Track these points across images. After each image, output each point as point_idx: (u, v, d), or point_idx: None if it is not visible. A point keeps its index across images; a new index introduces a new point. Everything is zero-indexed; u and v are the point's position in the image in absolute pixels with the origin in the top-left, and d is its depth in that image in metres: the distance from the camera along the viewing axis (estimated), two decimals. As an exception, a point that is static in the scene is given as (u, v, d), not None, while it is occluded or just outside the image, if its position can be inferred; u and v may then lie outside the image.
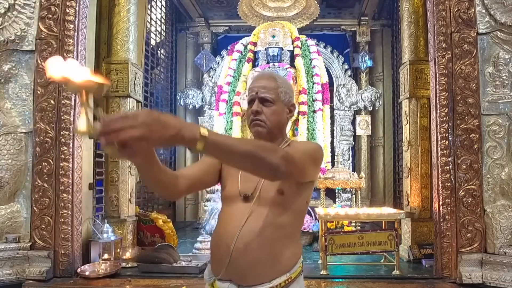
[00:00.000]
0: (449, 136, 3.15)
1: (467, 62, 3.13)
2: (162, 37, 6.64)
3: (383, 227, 3.77)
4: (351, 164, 6.57)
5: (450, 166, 3.13)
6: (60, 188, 3.21)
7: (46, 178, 3.22)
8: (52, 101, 3.24)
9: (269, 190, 1.41)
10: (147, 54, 5.77)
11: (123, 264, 3.54)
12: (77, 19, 3.32)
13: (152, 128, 0.95)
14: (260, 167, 1.20)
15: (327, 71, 6.32)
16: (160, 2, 6.53)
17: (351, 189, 5.04)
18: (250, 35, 6.24)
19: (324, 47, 6.74)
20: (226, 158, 1.21)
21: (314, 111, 5.73)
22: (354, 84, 6.64)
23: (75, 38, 3.30)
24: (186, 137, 1.01)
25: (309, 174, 1.44)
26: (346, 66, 6.73)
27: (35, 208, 3.22)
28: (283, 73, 5.72)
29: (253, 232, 1.37)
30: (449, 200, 3.11)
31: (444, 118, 3.16)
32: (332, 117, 6.37)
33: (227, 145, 1.12)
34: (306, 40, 6.11)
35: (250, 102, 1.52)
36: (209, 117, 6.53)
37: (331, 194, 5.55)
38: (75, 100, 3.28)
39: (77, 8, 3.32)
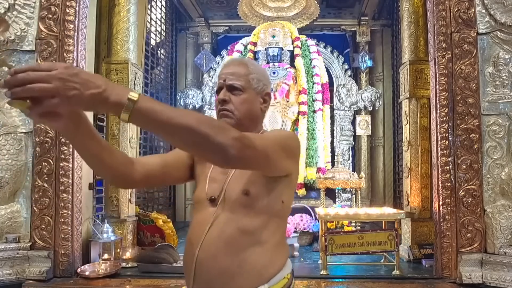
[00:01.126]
0: (449, 136, 3.14)
1: (467, 62, 3.13)
2: (162, 37, 6.63)
3: (383, 227, 3.77)
4: (351, 164, 6.56)
5: (450, 166, 3.13)
6: (60, 188, 3.21)
7: (46, 178, 3.22)
8: (52, 101, 3.24)
9: (233, 191, 1.26)
10: (147, 54, 5.77)
11: (123, 264, 3.54)
12: (77, 19, 3.32)
13: (68, 83, 0.81)
14: (203, 147, 0.98)
15: (327, 71, 6.32)
16: (160, 2, 6.53)
17: (351, 189, 5.03)
18: (250, 35, 6.24)
19: (324, 47, 6.73)
20: (161, 132, 0.97)
21: (314, 111, 5.74)
22: (354, 84, 6.64)
23: (75, 38, 3.30)
24: (110, 99, 0.85)
25: (281, 166, 1.25)
26: (346, 66, 6.73)
27: (35, 208, 3.22)
28: (283, 73, 5.72)
29: (217, 239, 1.23)
30: (449, 200, 3.11)
31: (444, 118, 3.16)
32: (332, 117, 6.37)
33: (161, 114, 0.91)
34: (306, 40, 6.11)
35: (218, 90, 1.37)
36: (209, 117, 6.52)
37: (331, 194, 5.54)
38: (75, 100, 3.28)
39: (77, 8, 3.32)
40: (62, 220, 3.21)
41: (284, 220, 1.37)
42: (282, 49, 5.91)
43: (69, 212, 3.22)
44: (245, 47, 6.15)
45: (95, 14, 3.90)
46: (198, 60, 6.83)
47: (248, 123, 1.36)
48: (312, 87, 5.79)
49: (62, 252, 3.21)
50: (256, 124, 1.41)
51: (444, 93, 3.16)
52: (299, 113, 5.61)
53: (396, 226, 3.52)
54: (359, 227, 4.63)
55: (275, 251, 1.29)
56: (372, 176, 6.78)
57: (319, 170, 5.44)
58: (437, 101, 3.20)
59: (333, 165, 5.55)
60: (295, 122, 5.67)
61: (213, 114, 6.44)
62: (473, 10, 3.14)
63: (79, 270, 3.26)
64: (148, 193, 5.99)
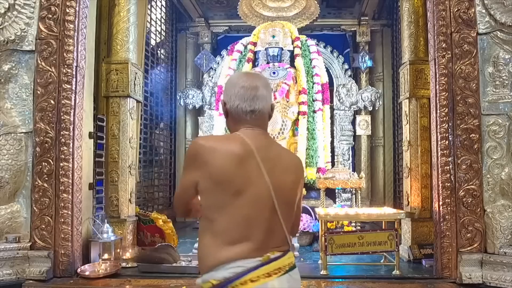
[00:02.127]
0: (449, 136, 3.14)
1: (467, 62, 3.13)
2: (162, 37, 6.64)
3: (383, 227, 3.77)
4: (351, 164, 6.56)
5: (450, 166, 3.12)
6: (60, 188, 3.21)
7: (46, 178, 3.21)
8: (52, 101, 3.24)
9: None
10: (147, 54, 5.77)
11: (123, 264, 3.53)
12: (77, 19, 3.32)
13: None
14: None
15: (327, 71, 6.32)
16: (160, 2, 6.53)
17: (351, 189, 5.03)
18: (250, 35, 6.24)
19: (324, 47, 6.73)
20: None
21: (314, 111, 5.73)
22: (354, 84, 6.64)
23: (75, 38, 3.30)
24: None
25: (190, 183, 1.46)
26: (346, 66, 6.73)
27: (35, 208, 3.22)
28: (283, 73, 5.72)
29: None
30: (449, 200, 3.11)
31: (444, 118, 3.16)
32: (332, 117, 6.37)
33: None
34: (306, 40, 6.11)
35: None
36: (209, 117, 6.53)
37: (331, 194, 5.55)
38: (75, 100, 3.29)
39: (77, 8, 3.32)
40: (62, 220, 3.20)
41: (209, 222, 1.42)
42: (282, 49, 5.91)
43: (69, 212, 3.22)
44: (245, 47, 6.15)
45: (95, 14, 3.90)
46: (198, 60, 6.83)
47: None
48: (312, 87, 5.79)
49: (62, 252, 3.20)
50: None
51: (444, 93, 3.16)
52: (299, 113, 5.61)
53: (396, 226, 3.52)
54: (359, 227, 4.63)
55: (203, 251, 1.43)
56: (372, 176, 6.78)
57: (319, 170, 5.44)
58: (437, 101, 3.20)
59: (333, 165, 5.55)
60: (295, 122, 5.68)
61: (213, 113, 6.45)
62: (473, 10, 3.14)
63: (79, 270, 3.26)
64: (148, 193, 5.99)
